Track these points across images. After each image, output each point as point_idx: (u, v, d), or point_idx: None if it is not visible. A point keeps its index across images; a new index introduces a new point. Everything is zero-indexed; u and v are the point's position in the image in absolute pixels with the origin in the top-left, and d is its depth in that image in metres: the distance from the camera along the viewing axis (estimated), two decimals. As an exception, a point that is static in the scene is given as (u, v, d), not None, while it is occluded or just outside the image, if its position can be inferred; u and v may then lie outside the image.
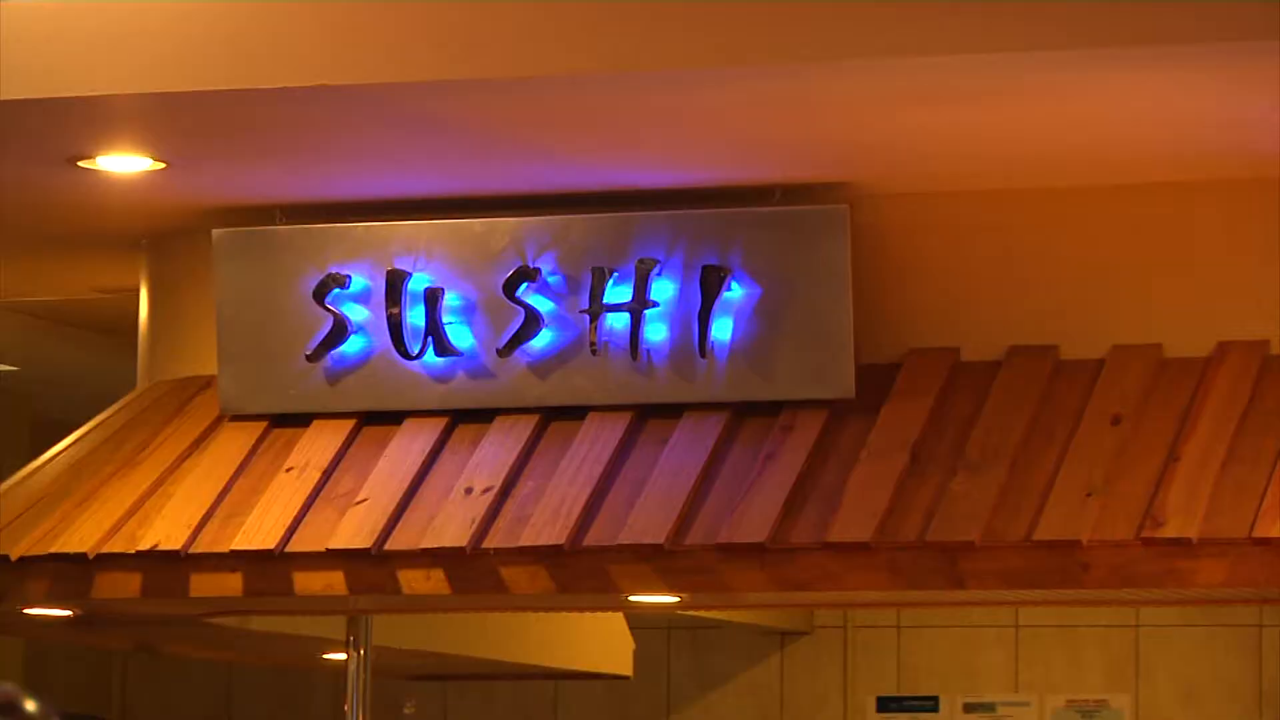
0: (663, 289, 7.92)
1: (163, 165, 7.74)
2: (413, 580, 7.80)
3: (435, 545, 7.74)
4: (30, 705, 2.07)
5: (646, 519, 7.63)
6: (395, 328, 8.07)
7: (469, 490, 7.84)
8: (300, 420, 8.20)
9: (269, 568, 7.85)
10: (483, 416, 8.06)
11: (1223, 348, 7.71)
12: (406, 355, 8.07)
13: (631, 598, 8.29)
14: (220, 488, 8.04)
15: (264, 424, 8.23)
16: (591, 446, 7.86)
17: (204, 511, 7.96)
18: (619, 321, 7.92)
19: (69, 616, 8.36)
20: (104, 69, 7.14)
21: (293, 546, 7.84)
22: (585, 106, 7.30)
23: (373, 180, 8.02)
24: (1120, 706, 10.24)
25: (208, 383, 8.32)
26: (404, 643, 9.03)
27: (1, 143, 7.62)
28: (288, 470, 8.06)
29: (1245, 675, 10.09)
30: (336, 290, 8.10)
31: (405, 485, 7.93)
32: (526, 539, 7.67)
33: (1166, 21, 6.50)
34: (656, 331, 7.92)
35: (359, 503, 7.90)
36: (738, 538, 7.52)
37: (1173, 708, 10.22)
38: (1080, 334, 7.88)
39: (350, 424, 8.16)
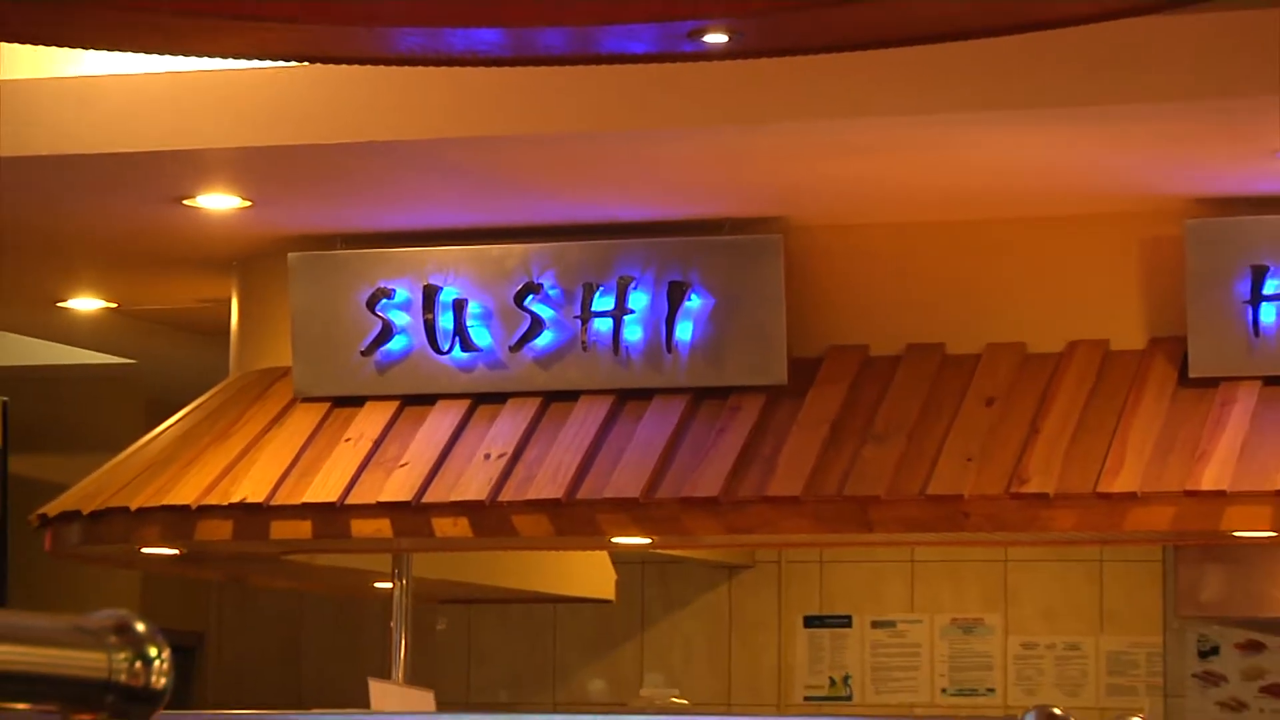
0: (638, 299, 7.87)
1: (249, 204, 7.80)
2: (443, 526, 7.79)
3: (461, 499, 7.71)
4: (140, 626, 1.87)
5: (625, 478, 7.63)
6: (430, 329, 8.02)
7: (487, 456, 7.82)
8: (356, 402, 8.10)
9: (332, 516, 7.82)
10: (497, 399, 7.97)
11: (1072, 345, 7.68)
12: (438, 351, 8.03)
13: (613, 539, 8.29)
14: (294, 454, 7.99)
15: (328, 404, 8.12)
16: (582, 423, 7.82)
17: (281, 472, 7.93)
18: (604, 325, 7.90)
19: (175, 555, 8.36)
20: (202, 129, 7.22)
21: (350, 500, 7.79)
22: (579, 157, 7.39)
23: (413, 215, 7.98)
24: (993, 623, 10.16)
25: (284, 372, 8.22)
26: (436, 574, 8.98)
27: (123, 186, 7.70)
28: (346, 440, 7.98)
29: (1089, 598, 10.05)
30: (384, 300, 8.05)
31: (437, 452, 7.87)
32: (532, 494, 7.66)
33: (1031, 91, 6.64)
34: (633, 333, 7.88)
35: (401, 466, 7.85)
36: (696, 493, 7.53)
37: (1033, 623, 10.15)
38: (962, 334, 7.79)
39: (395, 405, 8.05)
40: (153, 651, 1.88)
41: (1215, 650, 9.91)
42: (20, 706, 1.91)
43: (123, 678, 1.86)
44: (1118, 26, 5.79)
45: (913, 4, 4.94)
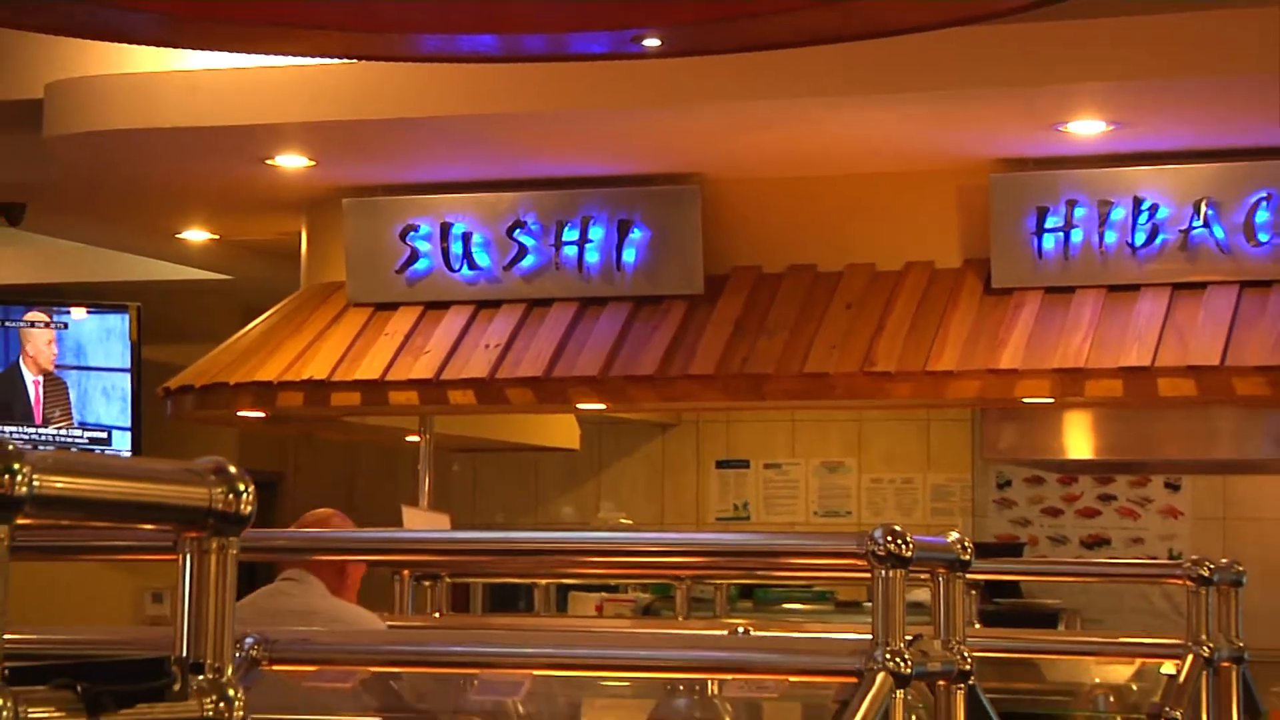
0: (596, 232, 7.81)
1: (314, 163, 7.72)
2: (456, 396, 7.76)
3: (468, 376, 7.70)
4: (231, 468, 1.88)
5: (587, 362, 7.62)
6: (445, 254, 7.98)
7: (487, 346, 7.80)
8: (392, 306, 8.04)
9: (375, 389, 7.79)
10: (494, 305, 7.93)
11: (908, 265, 7.62)
12: (451, 270, 7.98)
13: (578, 406, 8.20)
14: (347, 344, 7.96)
15: (371, 309, 8.07)
16: (555, 322, 7.80)
17: (338, 357, 7.91)
18: (571, 251, 7.85)
19: (261, 417, 8.28)
20: (279, 108, 7.19)
21: (389, 377, 7.77)
22: (553, 129, 7.27)
23: (433, 171, 7.84)
24: (850, 465, 10.18)
25: (340, 286, 8.19)
26: (451, 431, 8.93)
27: (222, 150, 7.59)
28: (385, 335, 7.95)
29: (919, 446, 10.10)
30: (412, 233, 8.01)
31: (451, 343, 7.84)
32: (519, 373, 7.66)
33: (881, 81, 6.59)
34: (592, 256, 7.82)
35: (425, 353, 7.82)
36: (638, 372, 7.56)
37: (879, 464, 10.18)
38: (829, 257, 7.73)
39: (420, 309, 8.01)
40: (241, 486, 1.88)
41: (1009, 483, 9.99)
42: (147, 526, 1.93)
43: (219, 505, 1.87)
44: (944, 33, 5.72)
45: (797, 17, 4.93)
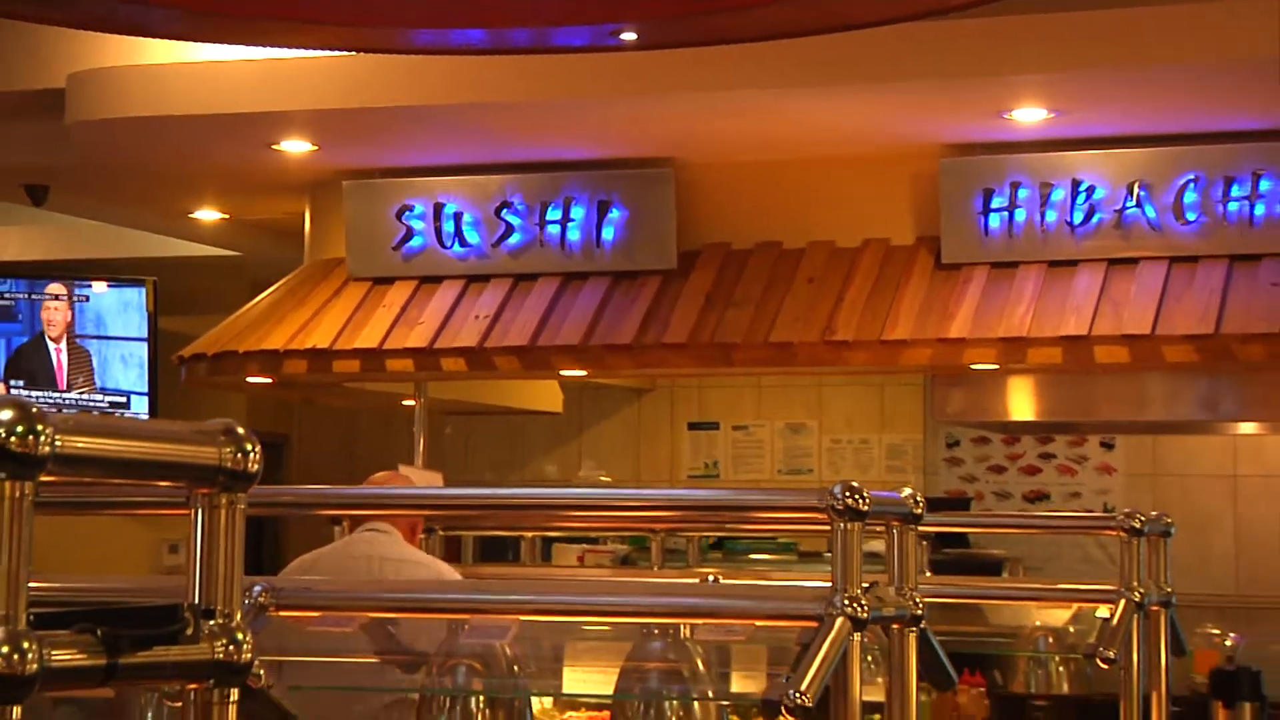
0: (577, 212, 7.78)
1: (317, 148, 7.68)
2: (448, 364, 7.73)
3: (460, 345, 7.68)
4: (240, 429, 1.86)
5: (569, 331, 7.59)
6: (437, 233, 7.94)
7: (477, 317, 7.76)
8: (388, 281, 8.02)
9: (374, 357, 7.77)
10: (483, 279, 7.89)
11: (865, 242, 7.61)
12: (443, 246, 7.95)
13: (561, 372, 8.17)
14: (347, 316, 7.94)
15: (370, 283, 8.05)
16: (540, 295, 7.78)
17: (339, 328, 7.89)
18: (554, 229, 7.81)
19: (268, 383, 8.24)
20: (284, 97, 7.13)
21: (386, 346, 7.76)
22: (538, 116, 7.22)
23: (426, 155, 7.81)
24: (812, 426, 10.13)
25: (340, 261, 8.17)
26: (444, 396, 8.90)
27: (232, 135, 7.52)
28: (382, 307, 7.93)
29: (875, 409, 10.03)
30: (407, 213, 7.98)
31: (443, 314, 7.81)
32: (507, 342, 7.64)
33: (840, 72, 6.57)
34: (574, 234, 7.79)
35: (419, 324, 7.80)
36: (617, 341, 7.53)
37: (838, 426, 10.12)
38: (792, 235, 7.71)
39: (414, 283, 7.98)
40: (248, 446, 1.87)
41: (957, 443, 9.98)
42: (161, 483, 1.92)
43: (228, 464, 1.86)
44: (898, 28, 5.75)
45: (764, 13, 4.92)
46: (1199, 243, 7.12)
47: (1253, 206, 7.07)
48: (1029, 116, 6.98)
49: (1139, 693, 5.13)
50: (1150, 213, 7.17)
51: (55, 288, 10.51)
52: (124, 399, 10.45)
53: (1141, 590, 5.03)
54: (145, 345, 10.41)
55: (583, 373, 8.17)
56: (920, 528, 3.42)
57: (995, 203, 7.33)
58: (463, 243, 7.96)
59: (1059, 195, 7.25)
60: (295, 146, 7.71)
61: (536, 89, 6.91)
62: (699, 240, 7.80)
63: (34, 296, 10.55)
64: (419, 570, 5.46)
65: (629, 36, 5.16)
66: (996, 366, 7.24)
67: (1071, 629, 5.94)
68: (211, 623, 1.83)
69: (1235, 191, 7.07)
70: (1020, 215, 7.30)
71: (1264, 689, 5.70)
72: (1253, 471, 9.34)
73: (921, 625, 3.38)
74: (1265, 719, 5.64)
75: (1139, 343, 6.93)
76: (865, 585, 3.11)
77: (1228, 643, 5.79)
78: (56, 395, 10.42)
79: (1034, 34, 6.39)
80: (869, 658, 3.38)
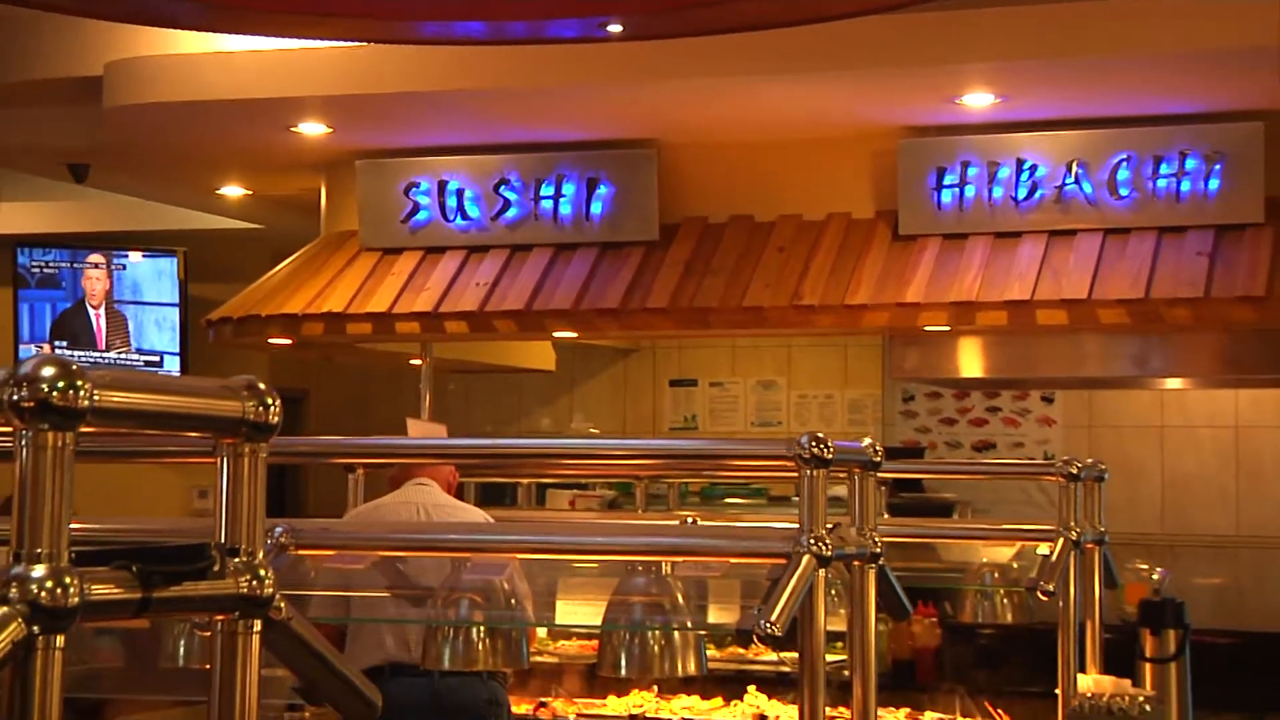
0: (568, 189, 7.73)
1: (331, 130, 7.62)
2: (452, 326, 7.70)
3: (462, 309, 7.66)
4: (261, 385, 1.84)
5: (561, 297, 7.56)
6: (441, 207, 7.88)
7: (478, 284, 7.71)
8: (397, 251, 7.96)
9: (384, 320, 7.73)
10: (483, 250, 7.83)
11: (830, 215, 7.56)
12: (447, 220, 7.88)
13: (554, 334, 8.16)
14: (360, 283, 7.89)
15: (380, 253, 7.98)
16: (536, 264, 7.72)
17: (352, 293, 7.84)
18: (547, 204, 7.75)
19: (288, 344, 8.21)
20: (302, 84, 7.09)
21: (395, 310, 7.71)
22: (533, 101, 7.15)
23: (432, 137, 7.74)
24: (781, 383, 10.07)
25: (354, 234, 8.12)
26: (448, 356, 8.87)
27: (254, 119, 7.46)
28: (392, 274, 7.88)
29: (839, 367, 9.98)
30: (414, 189, 7.92)
31: (447, 281, 7.75)
32: (505, 306, 7.60)
33: (807, 61, 6.55)
34: (565, 209, 7.73)
35: (425, 290, 7.75)
36: (604, 305, 7.50)
37: (805, 382, 10.06)
38: (764, 209, 7.65)
39: (420, 253, 7.91)
40: (269, 400, 1.85)
41: (913, 397, 9.96)
42: (191, 434, 1.90)
43: (251, 416, 1.84)
44: (861, 20, 5.73)
45: (740, 7, 4.90)
46: (1131, 216, 7.11)
47: (1179, 183, 7.05)
48: (978, 101, 6.95)
49: (1075, 621, 5.15)
50: (1087, 189, 7.15)
51: (95, 258, 10.57)
52: (157, 359, 10.49)
53: (1078, 530, 5.06)
54: (176, 310, 10.46)
55: (573, 334, 8.14)
56: (879, 474, 3.42)
57: (947, 180, 7.29)
58: (464, 216, 7.92)
59: (1005, 173, 7.22)
60: (312, 129, 7.67)
61: (531, 76, 6.87)
62: (679, 214, 7.77)
63: (76, 265, 10.59)
64: (459, 513, 5.65)
65: (615, 29, 5.13)
66: (948, 328, 7.22)
67: (1015, 565, 5.95)
68: (236, 560, 1.83)
69: (1164, 169, 7.06)
70: (970, 191, 7.27)
71: (1186, 618, 5.72)
72: (1178, 423, 9.34)
73: (880, 562, 3.39)
74: (1187, 644, 5.66)
75: (1076, 306, 6.91)
76: (829, 526, 3.12)
77: (1155, 576, 5.81)
78: (96, 355, 10.45)
79: (982, 26, 6.37)
80: (833, 591, 3.39)
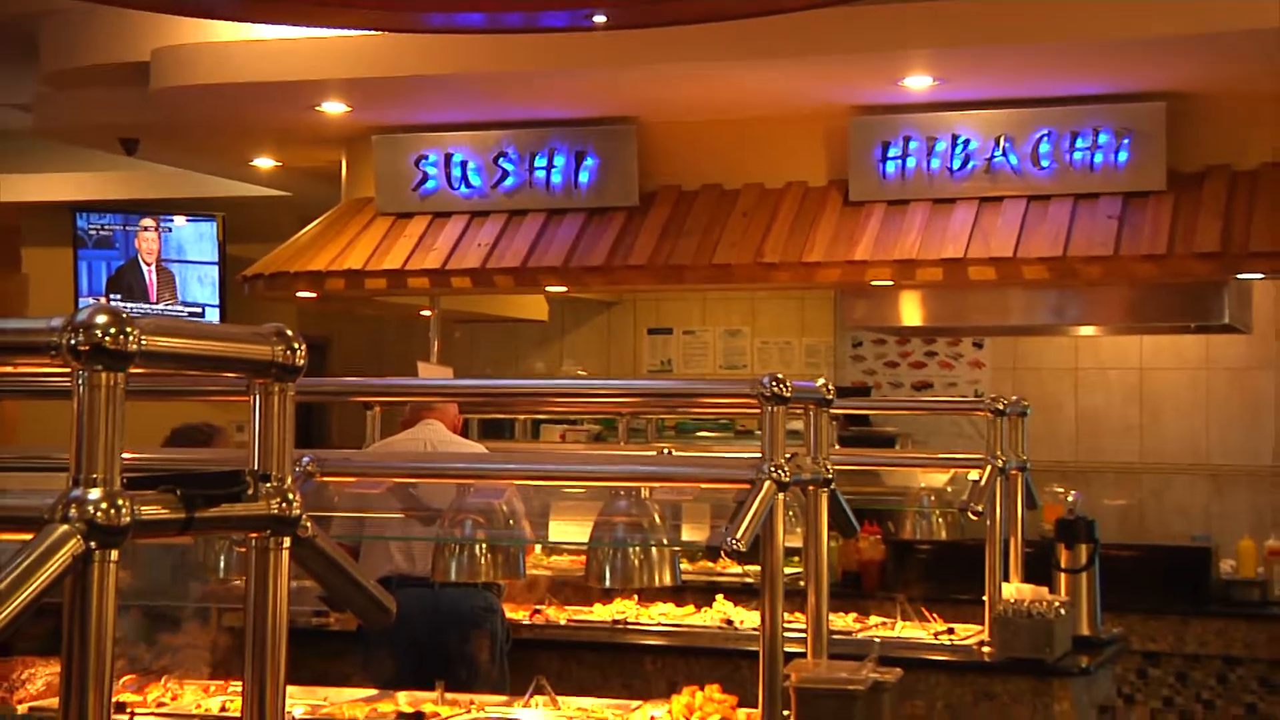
0: (559, 160, 7.64)
1: (351, 109, 7.54)
2: (457, 282, 7.61)
3: (465, 267, 7.56)
4: (289, 331, 1.81)
5: (554, 255, 7.46)
6: (448, 177, 7.79)
7: (479, 244, 7.62)
8: (408, 216, 7.86)
9: (398, 276, 7.65)
10: (484, 214, 7.73)
11: (789, 184, 7.48)
12: (452, 188, 7.79)
13: (547, 289, 8.03)
14: (376, 243, 7.79)
15: (394, 218, 7.89)
16: (531, 227, 7.62)
17: (370, 253, 7.75)
18: (541, 174, 7.67)
19: (314, 297, 7.92)
20: (324, 67, 7.02)
21: (408, 267, 7.62)
22: (528, 83, 7.05)
23: (440, 115, 7.65)
24: (746, 331, 10.00)
25: (370, 200, 8.03)
26: (454, 308, 8.82)
27: (281, 99, 7.37)
28: (404, 236, 7.77)
29: (796, 317, 9.91)
30: (423, 161, 7.82)
31: (453, 241, 7.67)
32: (504, 264, 7.51)
33: (768, 46, 6.45)
34: (556, 178, 7.64)
35: (434, 250, 7.66)
36: (591, 263, 7.40)
37: (768, 331, 9.98)
38: (730, 178, 7.57)
39: (429, 217, 7.81)
40: (295, 345, 1.85)
41: (861, 344, 9.88)
42: (227, 375, 1.89)
43: (279, 359, 1.84)
44: (816, 12, 5.71)
45: (711, 0, 4.88)
46: (1051, 184, 7.10)
47: (1093, 155, 7.05)
48: (918, 84, 6.91)
49: (1000, 537, 5.22)
50: (1013, 161, 7.14)
51: (146, 221, 10.58)
52: (200, 310, 10.50)
53: (1003, 458, 5.14)
54: (216, 268, 10.45)
55: (564, 289, 8.05)
56: (831, 410, 3.47)
57: (891, 153, 7.25)
58: (468, 185, 7.86)
59: (941, 146, 7.18)
60: (333, 108, 7.61)
61: (526, 62, 6.81)
62: (656, 182, 7.72)
63: (128, 228, 10.60)
64: (461, 448, 5.70)
65: (600, 19, 5.10)
66: (891, 283, 7.17)
67: (949, 489, 6.00)
68: (268, 485, 1.83)
69: (1079, 144, 7.05)
70: (911, 163, 7.22)
71: (1096, 534, 5.77)
72: (1090, 365, 9.35)
73: (831, 487, 3.43)
74: (1097, 557, 5.71)
75: (1003, 264, 6.90)
76: (788, 456, 3.15)
77: (1069, 499, 5.86)
78: (148, 306, 10.47)
79: (923, 18, 6.31)
80: (790, 512, 3.41)
